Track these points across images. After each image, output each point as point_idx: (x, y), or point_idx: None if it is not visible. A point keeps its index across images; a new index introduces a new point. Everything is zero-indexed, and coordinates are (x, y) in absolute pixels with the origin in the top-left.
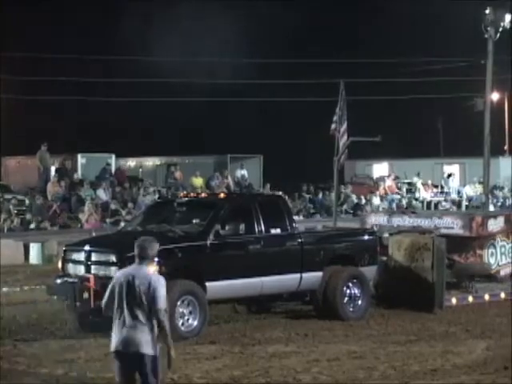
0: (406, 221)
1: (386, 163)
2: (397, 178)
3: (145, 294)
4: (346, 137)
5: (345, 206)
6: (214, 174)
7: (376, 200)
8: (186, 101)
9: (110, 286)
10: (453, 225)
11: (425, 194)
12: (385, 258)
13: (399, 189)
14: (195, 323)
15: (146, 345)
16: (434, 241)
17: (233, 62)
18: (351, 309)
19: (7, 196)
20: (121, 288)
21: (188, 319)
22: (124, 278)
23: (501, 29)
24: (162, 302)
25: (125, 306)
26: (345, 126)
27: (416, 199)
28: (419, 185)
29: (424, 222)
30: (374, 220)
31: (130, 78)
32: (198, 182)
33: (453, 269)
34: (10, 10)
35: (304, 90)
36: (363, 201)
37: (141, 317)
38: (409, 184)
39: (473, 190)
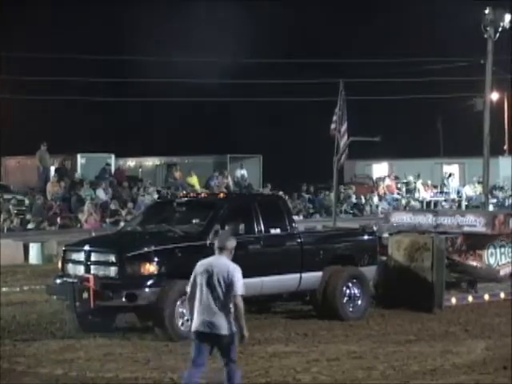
0: (430, 219)
1: (385, 163)
2: (396, 178)
3: (224, 281)
4: (346, 137)
5: (344, 206)
6: (213, 174)
7: (375, 200)
8: (185, 101)
9: (192, 277)
10: (475, 223)
11: (424, 194)
12: (384, 258)
13: (399, 189)
14: None
15: (224, 326)
16: (433, 241)
17: (232, 62)
18: (351, 309)
19: (7, 196)
20: (201, 276)
21: (187, 320)
22: (204, 267)
23: (500, 29)
24: (240, 288)
25: (205, 292)
26: (345, 126)
27: (417, 199)
28: (419, 185)
29: (447, 221)
30: (398, 218)
31: (130, 77)
32: (193, 180)
33: (458, 270)
34: (9, 10)
35: (304, 90)
36: (363, 201)
37: (220, 301)
38: (408, 184)
39: (472, 190)
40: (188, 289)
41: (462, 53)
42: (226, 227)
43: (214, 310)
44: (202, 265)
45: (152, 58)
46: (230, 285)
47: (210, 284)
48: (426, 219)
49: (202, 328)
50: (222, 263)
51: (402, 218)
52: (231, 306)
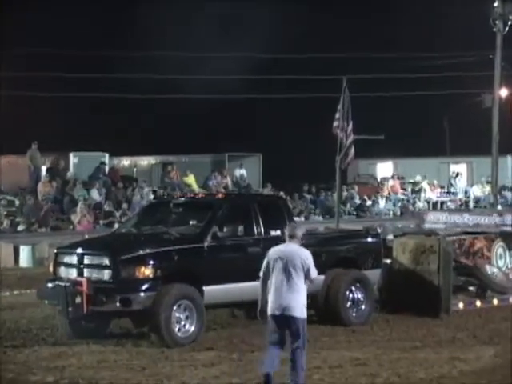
0: (466, 218)
1: (390, 162)
2: (401, 177)
3: (298, 266)
4: (352, 136)
5: (348, 207)
6: (211, 174)
7: (380, 201)
8: (182, 98)
9: (264, 262)
10: None
11: (431, 194)
12: (389, 261)
13: (404, 189)
14: (192, 329)
15: (298, 309)
16: (440, 243)
17: (230, 57)
18: (354, 314)
19: None
20: (275, 262)
21: (184, 324)
22: (277, 254)
23: (510, 22)
24: (314, 272)
25: (280, 277)
26: (351, 125)
27: (426, 201)
28: (425, 185)
29: (484, 220)
30: (433, 217)
31: (124, 73)
32: (190, 180)
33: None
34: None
35: (305, 86)
36: (367, 201)
37: (294, 286)
38: (415, 184)
39: (481, 190)
40: (260, 274)
41: (469, 47)
42: (225, 229)
43: (289, 294)
44: (274, 252)
45: (147, 53)
46: (304, 270)
47: (284, 269)
48: (463, 218)
49: (278, 311)
50: (295, 249)
51: (437, 218)
52: (304, 289)
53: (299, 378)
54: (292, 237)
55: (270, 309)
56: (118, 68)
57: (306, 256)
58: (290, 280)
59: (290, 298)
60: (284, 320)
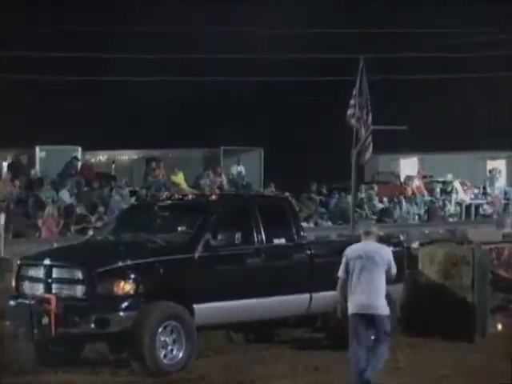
0: None
1: (415, 158)
2: (429, 176)
3: (379, 263)
4: (371, 127)
5: (366, 210)
6: (203, 171)
7: (404, 203)
8: (168, 80)
9: (343, 262)
10: None
11: (463, 195)
12: (414, 274)
13: (432, 189)
14: (180, 355)
15: (381, 306)
16: (474, 253)
17: (228, 36)
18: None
19: None
20: (355, 261)
21: (172, 350)
22: (357, 252)
23: None
24: (394, 268)
25: (361, 275)
26: (370, 113)
27: (458, 203)
28: (456, 184)
29: None
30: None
31: (102, 52)
32: (179, 178)
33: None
34: None
35: (315, 68)
36: (387, 203)
37: (376, 283)
38: (445, 183)
39: None
40: (340, 274)
41: (509, 22)
42: (220, 236)
43: (372, 292)
44: (353, 250)
45: (131, 28)
46: (385, 266)
47: (365, 268)
48: None
49: (361, 310)
50: (375, 247)
51: None
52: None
53: (372, 371)
54: (368, 234)
55: (351, 308)
56: (92, 45)
57: (386, 253)
58: (372, 278)
59: (373, 296)
60: (367, 318)
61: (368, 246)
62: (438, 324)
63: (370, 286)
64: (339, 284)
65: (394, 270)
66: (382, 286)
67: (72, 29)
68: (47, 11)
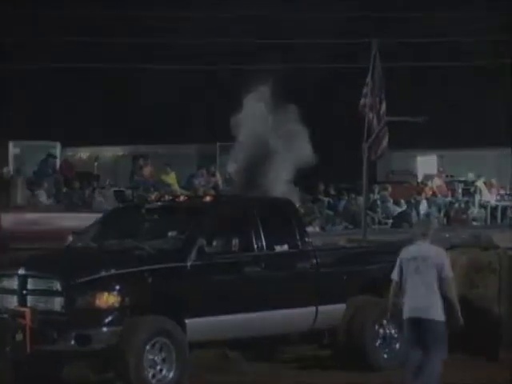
0: None
1: (434, 155)
2: (450, 176)
3: (434, 266)
4: (384, 117)
5: (379, 214)
6: (197, 170)
7: (423, 205)
8: (160, 69)
9: (397, 263)
10: None
11: (488, 196)
12: None
13: (453, 190)
14: (171, 375)
15: (436, 311)
16: (500, 259)
17: (222, 18)
18: (385, 355)
19: None
20: (409, 263)
21: (161, 369)
22: (410, 254)
23: None
24: (449, 270)
25: (415, 278)
26: (384, 103)
27: (482, 205)
28: (481, 184)
29: None
30: None
31: (83, 35)
32: (170, 178)
33: None
34: None
35: (322, 52)
36: (404, 205)
37: (431, 287)
38: (467, 183)
39: None
40: (393, 276)
41: None
42: (215, 243)
43: (426, 296)
44: (408, 252)
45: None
46: (441, 269)
47: (420, 270)
48: None
49: (415, 314)
50: (430, 249)
51: None
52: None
53: None
54: (425, 235)
55: (405, 312)
56: (73, 29)
57: (442, 255)
58: (426, 281)
59: (427, 300)
60: (421, 323)
61: (423, 247)
62: (460, 337)
63: (424, 290)
64: (392, 287)
65: (448, 274)
66: (436, 289)
67: (49, 13)
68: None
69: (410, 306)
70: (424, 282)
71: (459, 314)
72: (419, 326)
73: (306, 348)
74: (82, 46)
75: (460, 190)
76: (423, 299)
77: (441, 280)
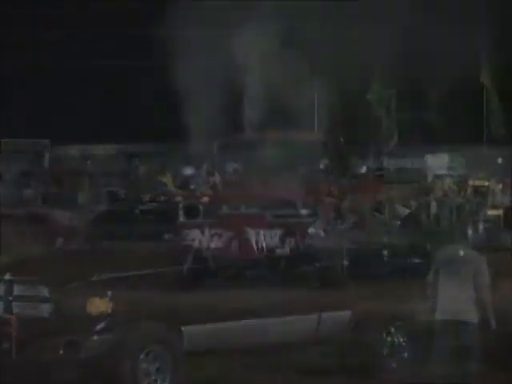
0: None
1: (444, 153)
2: (460, 175)
3: (470, 269)
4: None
5: (386, 215)
6: (194, 169)
7: (433, 206)
8: (151, 64)
9: (433, 265)
10: None
11: (502, 197)
12: None
13: (464, 190)
14: None
15: (470, 314)
16: None
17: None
18: (395, 364)
19: None
20: (443, 266)
21: (155, 380)
22: (448, 256)
23: None
24: (487, 276)
25: (450, 281)
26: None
27: (495, 206)
28: (493, 185)
29: None
30: None
31: (73, 28)
32: (167, 179)
33: None
34: None
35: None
36: (412, 207)
37: (466, 290)
38: (477, 183)
39: None
40: (429, 277)
41: None
42: (213, 245)
43: (461, 299)
44: (443, 254)
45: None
46: (476, 273)
47: (455, 272)
48: None
49: (448, 316)
50: (466, 251)
51: None
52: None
53: None
54: (458, 238)
55: (439, 314)
56: (63, 22)
57: (477, 258)
58: (461, 284)
59: (462, 303)
60: (455, 325)
61: (459, 249)
62: (484, 350)
63: (459, 292)
64: (428, 288)
65: (483, 279)
66: (471, 292)
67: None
68: None
69: (444, 309)
70: (459, 284)
71: (492, 320)
72: (454, 328)
73: (309, 356)
74: (69, 41)
75: (471, 191)
76: (458, 302)
77: (476, 283)
